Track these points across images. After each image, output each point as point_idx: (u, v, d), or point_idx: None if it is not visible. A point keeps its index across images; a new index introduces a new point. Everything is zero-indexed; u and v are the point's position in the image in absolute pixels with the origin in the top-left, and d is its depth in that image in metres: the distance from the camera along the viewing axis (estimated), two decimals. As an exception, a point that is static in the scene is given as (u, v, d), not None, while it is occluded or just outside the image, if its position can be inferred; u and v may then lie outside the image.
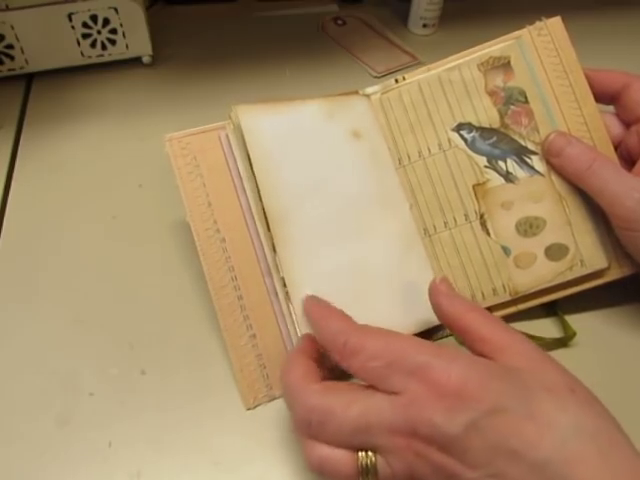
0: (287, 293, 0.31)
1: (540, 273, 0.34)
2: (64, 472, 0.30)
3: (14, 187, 0.44)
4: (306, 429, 0.25)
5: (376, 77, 0.55)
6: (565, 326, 0.35)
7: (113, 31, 0.51)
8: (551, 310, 0.37)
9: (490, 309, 0.34)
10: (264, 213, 0.32)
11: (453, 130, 0.35)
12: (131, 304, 0.37)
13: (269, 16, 0.64)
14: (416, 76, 0.36)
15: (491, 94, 0.35)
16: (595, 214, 0.34)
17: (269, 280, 0.33)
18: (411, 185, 0.35)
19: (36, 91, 0.52)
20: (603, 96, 0.35)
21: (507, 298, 0.34)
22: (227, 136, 0.34)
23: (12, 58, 0.51)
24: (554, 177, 0.34)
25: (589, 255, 0.34)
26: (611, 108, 0.37)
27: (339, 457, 0.24)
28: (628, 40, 0.63)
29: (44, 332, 0.35)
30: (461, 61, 0.35)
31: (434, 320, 0.30)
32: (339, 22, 0.64)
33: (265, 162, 0.33)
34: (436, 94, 0.35)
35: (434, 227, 0.35)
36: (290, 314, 0.32)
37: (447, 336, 0.34)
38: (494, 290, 0.34)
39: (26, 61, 0.51)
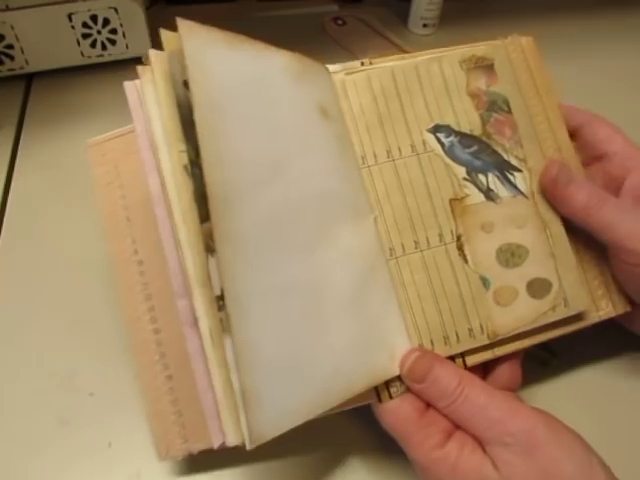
0: (226, 314, 0.22)
1: (521, 312, 0.29)
2: (64, 472, 0.30)
3: (14, 187, 0.44)
4: None
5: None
6: (548, 348, 0.35)
7: (113, 31, 0.51)
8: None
9: (463, 354, 0.28)
10: (201, 189, 0.22)
11: (429, 131, 0.30)
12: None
13: (269, 16, 0.64)
14: (388, 62, 0.30)
15: (473, 96, 0.31)
16: (578, 248, 0.31)
17: (184, 303, 0.25)
18: (376, 191, 0.29)
19: (36, 91, 0.52)
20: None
21: (485, 341, 0.28)
22: (142, 87, 0.25)
23: (12, 58, 0.51)
24: (539, 200, 0.30)
25: (572, 294, 0.29)
26: None
27: None
28: (627, 40, 0.63)
29: (44, 332, 0.35)
30: (442, 54, 0.31)
31: (394, 370, 0.27)
32: (339, 22, 0.64)
33: (213, 114, 0.23)
34: (411, 86, 0.30)
35: (402, 247, 0.28)
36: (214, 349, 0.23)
37: (402, 393, 0.27)
38: (470, 331, 0.28)
39: (26, 61, 0.51)
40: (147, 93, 0.25)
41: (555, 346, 0.35)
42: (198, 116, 0.22)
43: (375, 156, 0.29)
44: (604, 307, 0.31)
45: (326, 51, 0.56)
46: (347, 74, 0.30)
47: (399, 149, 0.29)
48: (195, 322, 0.23)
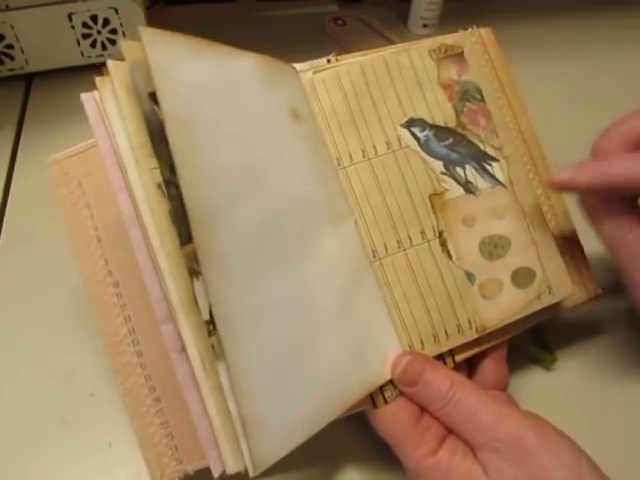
0: (218, 339, 0.21)
1: (507, 304, 0.28)
2: (64, 472, 0.30)
3: (14, 187, 0.44)
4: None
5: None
6: (546, 349, 0.35)
7: (113, 31, 0.51)
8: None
9: (452, 351, 0.28)
10: (179, 209, 0.21)
11: (403, 126, 0.29)
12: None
13: (269, 16, 0.64)
14: (355, 57, 0.30)
15: (445, 87, 0.30)
16: (552, 234, 0.31)
17: (168, 328, 0.23)
18: (354, 193, 0.28)
19: (36, 91, 0.52)
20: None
21: (474, 336, 0.28)
22: (101, 101, 0.23)
23: (12, 58, 0.51)
24: (517, 189, 0.30)
25: (556, 280, 0.29)
26: None
27: None
28: (627, 40, 0.63)
29: (44, 332, 0.35)
30: (410, 46, 0.30)
31: (387, 374, 0.27)
32: (339, 22, 0.64)
33: (185, 129, 0.21)
34: (382, 80, 0.29)
35: (385, 247, 0.28)
36: (202, 371, 0.22)
37: (396, 396, 0.27)
38: (459, 327, 0.28)
39: (26, 61, 0.51)
40: (108, 106, 0.23)
41: (554, 346, 0.35)
42: (170, 132, 0.21)
43: (350, 156, 0.28)
44: (577, 291, 0.32)
45: (326, 51, 0.56)
46: (315, 72, 0.29)
47: (374, 147, 0.29)
48: (183, 348, 0.23)
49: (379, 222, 0.28)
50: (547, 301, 0.29)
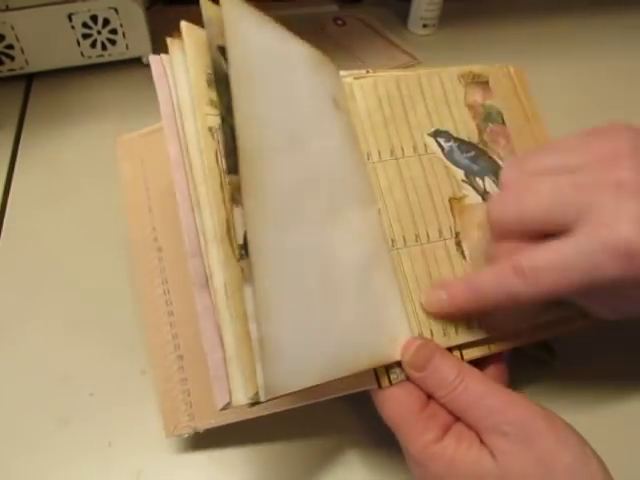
0: (249, 263, 0.22)
1: (514, 311, 0.29)
2: (64, 472, 0.30)
3: (14, 187, 0.44)
4: None
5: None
6: (547, 348, 0.35)
7: (113, 31, 0.52)
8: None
9: (461, 347, 0.29)
10: (231, 144, 0.23)
11: (430, 135, 0.32)
12: (131, 304, 0.37)
13: (269, 16, 0.64)
14: (392, 72, 0.33)
15: (470, 107, 0.33)
16: None
17: (196, 262, 0.25)
18: (380, 186, 0.30)
19: (36, 91, 0.52)
20: None
21: (482, 335, 0.29)
22: (169, 63, 0.27)
23: (12, 58, 0.51)
24: None
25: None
26: None
27: None
28: (625, 40, 0.63)
29: (44, 332, 0.35)
30: (442, 69, 0.33)
31: (395, 355, 0.27)
32: (339, 22, 0.64)
33: (245, 76, 0.25)
34: (414, 94, 0.32)
35: (404, 239, 0.29)
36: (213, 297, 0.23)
37: (401, 380, 0.27)
38: (468, 324, 0.29)
39: (26, 61, 0.51)
40: (176, 61, 0.26)
41: (554, 345, 0.35)
42: (232, 74, 0.24)
43: (379, 154, 0.31)
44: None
45: (326, 51, 0.56)
46: (355, 78, 0.32)
47: (402, 149, 0.31)
48: (206, 283, 0.24)
49: (400, 216, 0.30)
50: (551, 316, 0.30)
